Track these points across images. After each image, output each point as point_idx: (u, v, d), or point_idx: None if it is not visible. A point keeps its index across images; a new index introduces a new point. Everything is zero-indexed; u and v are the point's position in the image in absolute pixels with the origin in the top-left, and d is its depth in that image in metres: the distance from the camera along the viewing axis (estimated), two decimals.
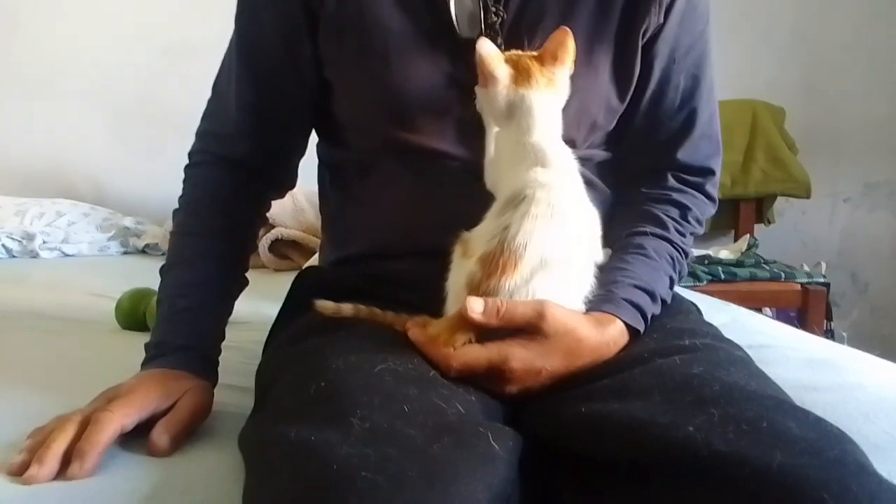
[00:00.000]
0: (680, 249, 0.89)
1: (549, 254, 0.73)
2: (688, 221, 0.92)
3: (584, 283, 0.77)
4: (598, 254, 0.82)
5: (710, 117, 0.94)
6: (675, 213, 0.91)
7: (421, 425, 0.58)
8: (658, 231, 0.88)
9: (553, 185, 0.76)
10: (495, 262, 0.72)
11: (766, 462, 0.53)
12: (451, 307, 0.77)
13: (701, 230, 0.95)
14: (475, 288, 0.73)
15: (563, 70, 0.80)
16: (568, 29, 0.78)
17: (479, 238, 0.76)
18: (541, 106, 0.79)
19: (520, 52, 0.81)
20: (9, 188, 2.50)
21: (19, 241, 2.22)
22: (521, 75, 0.78)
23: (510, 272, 0.72)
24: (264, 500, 0.57)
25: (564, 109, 0.84)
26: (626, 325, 0.76)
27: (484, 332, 0.72)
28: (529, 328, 0.71)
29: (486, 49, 0.77)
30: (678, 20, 0.89)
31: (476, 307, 0.70)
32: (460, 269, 0.77)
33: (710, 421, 0.58)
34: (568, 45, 0.79)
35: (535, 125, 0.78)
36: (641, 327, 0.77)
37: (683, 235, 0.91)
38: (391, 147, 0.89)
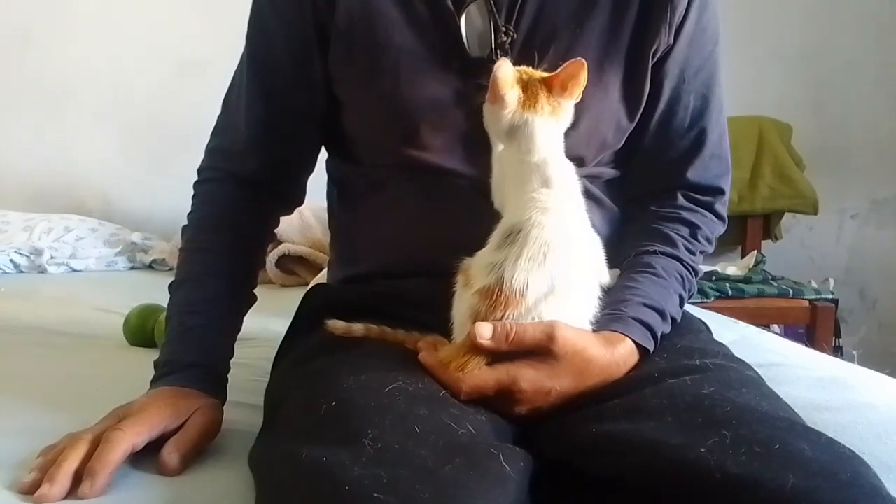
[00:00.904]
0: (689, 268, 0.89)
1: (550, 287, 0.73)
2: (697, 240, 0.92)
3: (589, 305, 0.77)
4: (604, 275, 0.82)
5: (719, 137, 0.95)
6: (685, 231, 0.91)
7: (432, 446, 0.58)
8: (667, 249, 0.88)
9: (553, 211, 0.76)
10: (496, 299, 0.73)
11: (780, 484, 0.53)
12: (457, 336, 0.77)
13: (711, 249, 0.95)
14: (481, 320, 0.73)
15: (570, 102, 0.81)
16: (583, 61, 0.78)
17: (477, 268, 0.76)
18: (542, 131, 0.80)
19: (532, 70, 0.81)
20: (18, 203, 2.51)
21: (27, 257, 2.23)
22: (528, 99, 0.79)
23: (513, 306, 0.72)
24: None
25: (574, 128, 0.85)
26: (636, 344, 0.76)
27: (494, 355, 0.72)
28: (540, 350, 0.71)
29: (503, 71, 0.78)
30: (688, 41, 0.89)
31: (485, 333, 0.71)
32: (462, 299, 0.77)
33: (723, 443, 0.58)
34: (580, 79, 0.79)
35: (536, 148, 0.79)
36: (651, 346, 0.77)
37: (693, 254, 0.91)
38: (400, 164, 0.89)
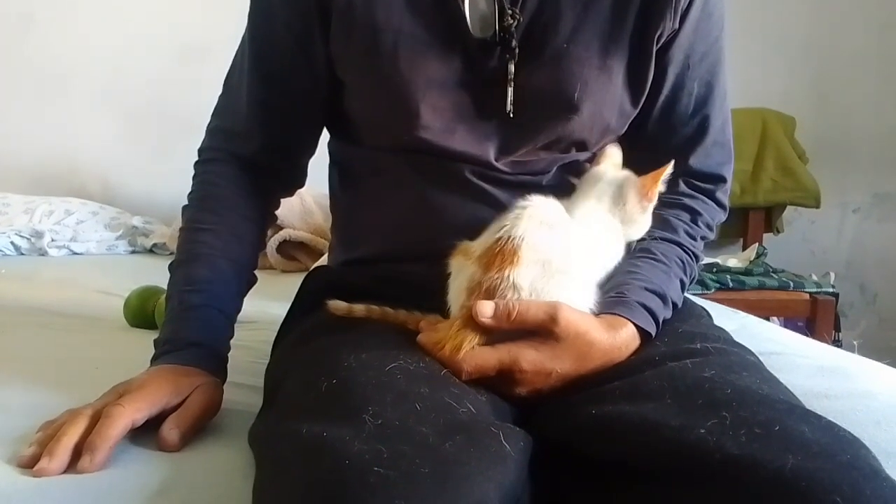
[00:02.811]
0: (690, 253, 0.89)
1: (548, 253, 0.73)
2: (698, 225, 0.92)
3: (589, 289, 0.77)
4: (611, 262, 0.83)
5: (722, 125, 0.95)
6: (685, 217, 0.91)
7: (433, 423, 0.58)
8: (668, 235, 0.88)
9: (555, 203, 0.78)
10: (493, 255, 0.72)
11: (779, 465, 0.53)
12: (454, 311, 0.76)
13: (712, 235, 0.95)
14: (476, 285, 0.73)
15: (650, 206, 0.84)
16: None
17: (479, 244, 0.76)
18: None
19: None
20: (19, 186, 2.52)
21: (28, 239, 2.23)
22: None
23: (509, 263, 0.72)
24: (275, 494, 0.57)
25: (577, 112, 0.85)
26: (638, 328, 0.76)
27: (495, 334, 0.71)
28: (542, 331, 0.71)
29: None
30: (693, 27, 0.89)
31: (486, 311, 0.70)
32: (460, 273, 0.76)
33: (723, 424, 0.58)
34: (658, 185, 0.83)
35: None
36: (653, 330, 0.77)
37: (694, 239, 0.91)
38: (401, 147, 0.89)
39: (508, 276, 0.71)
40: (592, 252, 0.79)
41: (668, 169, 0.83)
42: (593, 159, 0.91)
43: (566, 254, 0.74)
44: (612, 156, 0.88)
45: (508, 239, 0.72)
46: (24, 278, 1.84)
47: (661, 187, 0.83)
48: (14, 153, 2.61)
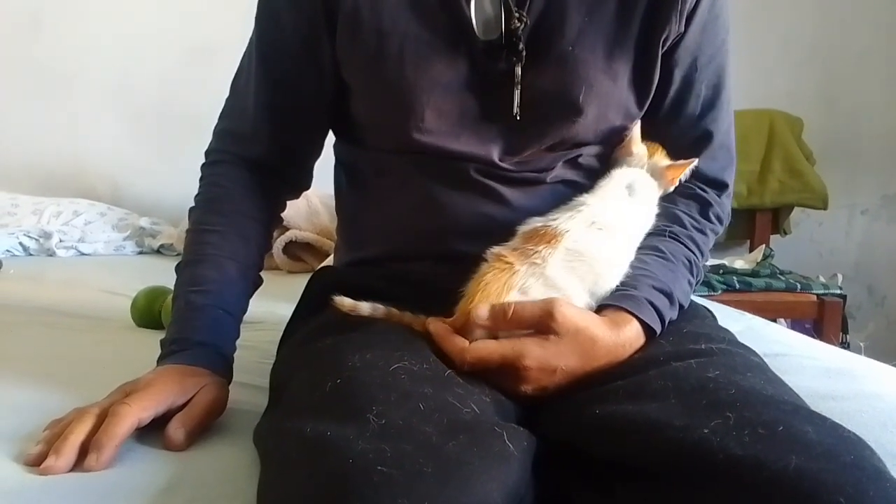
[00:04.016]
0: (697, 251, 0.89)
1: (582, 244, 0.77)
2: (708, 219, 0.92)
3: (605, 287, 0.79)
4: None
5: (727, 128, 0.95)
6: (695, 207, 0.92)
7: (436, 423, 0.59)
8: (675, 229, 0.88)
9: (607, 198, 0.84)
10: (538, 234, 0.77)
11: (782, 466, 0.53)
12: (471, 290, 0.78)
13: (720, 229, 0.95)
14: (517, 251, 0.76)
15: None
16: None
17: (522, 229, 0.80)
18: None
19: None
20: (28, 188, 2.53)
21: (36, 240, 2.25)
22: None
23: (550, 243, 0.76)
24: (280, 493, 0.57)
25: (582, 114, 0.85)
26: (643, 325, 0.76)
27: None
28: (540, 327, 0.71)
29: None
30: (700, 29, 0.89)
31: (482, 314, 0.71)
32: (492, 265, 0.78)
33: (726, 424, 0.58)
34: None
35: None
36: (658, 328, 0.77)
37: (703, 233, 0.91)
38: (406, 149, 0.89)
39: (542, 253, 0.75)
40: (622, 255, 0.82)
41: (694, 162, 0.89)
42: (599, 152, 0.92)
43: (604, 258, 0.78)
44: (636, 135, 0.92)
45: (554, 227, 0.77)
46: (33, 279, 1.85)
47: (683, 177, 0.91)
48: (22, 154, 2.63)
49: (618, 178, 0.87)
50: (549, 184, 0.89)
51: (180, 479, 0.66)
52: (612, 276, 0.79)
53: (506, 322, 0.71)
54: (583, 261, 0.76)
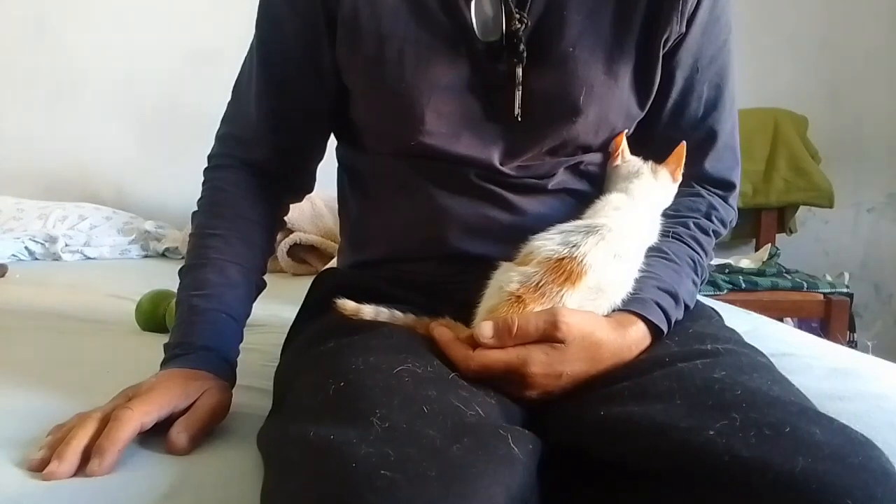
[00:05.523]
0: (701, 251, 0.89)
1: (605, 284, 0.75)
2: (711, 220, 0.92)
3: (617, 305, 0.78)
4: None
5: (731, 128, 0.95)
6: (699, 208, 0.92)
7: (440, 426, 0.58)
8: (679, 230, 0.88)
9: (627, 219, 0.81)
10: (563, 269, 0.73)
11: (789, 467, 0.52)
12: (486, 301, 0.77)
13: (724, 231, 0.95)
14: (534, 287, 0.73)
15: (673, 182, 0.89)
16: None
17: (541, 246, 0.76)
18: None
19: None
20: (33, 192, 2.54)
21: (42, 244, 2.25)
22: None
23: (574, 282, 0.73)
24: (283, 497, 0.56)
25: (583, 116, 0.85)
26: (649, 326, 0.75)
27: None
28: (546, 338, 0.71)
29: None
30: (701, 30, 0.88)
31: (486, 332, 0.71)
32: (503, 273, 0.77)
33: (732, 426, 0.57)
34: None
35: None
36: (665, 328, 0.77)
37: (707, 234, 0.91)
38: (408, 152, 0.89)
39: (561, 292, 0.73)
40: (635, 271, 0.81)
41: (683, 147, 0.88)
42: (601, 160, 0.91)
43: (619, 284, 0.76)
44: (625, 147, 0.91)
45: (579, 261, 0.74)
46: (38, 283, 1.85)
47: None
48: (28, 159, 2.64)
49: (639, 195, 0.86)
50: (552, 191, 0.89)
51: (183, 483, 0.66)
52: (624, 294, 0.78)
53: (511, 338, 0.71)
54: (604, 296, 0.75)
